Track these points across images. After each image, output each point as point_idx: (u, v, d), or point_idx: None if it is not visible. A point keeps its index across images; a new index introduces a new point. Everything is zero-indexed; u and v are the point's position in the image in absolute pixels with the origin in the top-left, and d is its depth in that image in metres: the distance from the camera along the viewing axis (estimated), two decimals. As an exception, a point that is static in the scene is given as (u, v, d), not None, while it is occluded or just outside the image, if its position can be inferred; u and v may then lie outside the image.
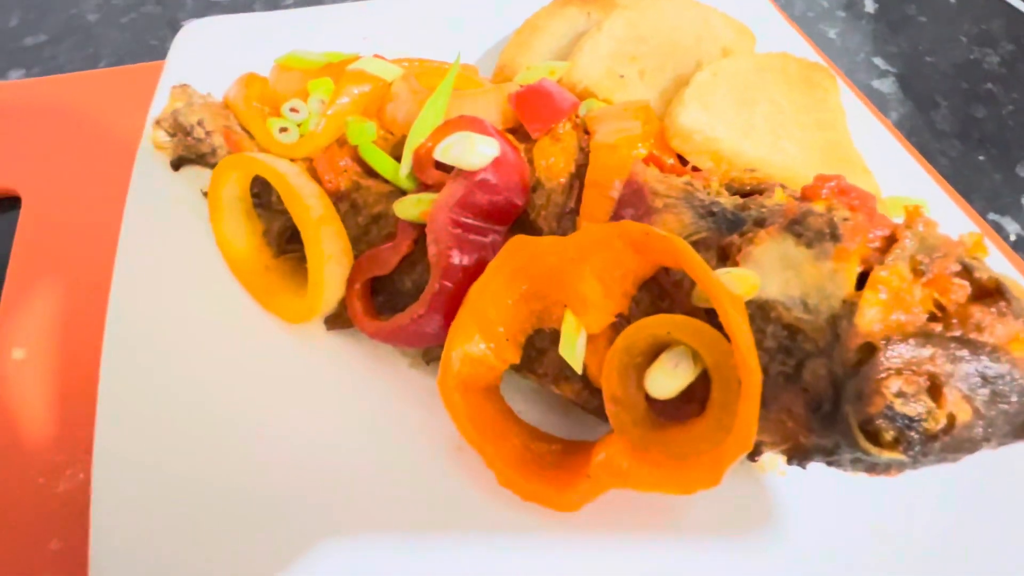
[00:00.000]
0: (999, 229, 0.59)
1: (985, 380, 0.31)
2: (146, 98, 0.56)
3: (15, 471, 0.39)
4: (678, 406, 0.33)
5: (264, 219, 0.45)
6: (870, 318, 0.32)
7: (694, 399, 0.33)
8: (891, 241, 0.34)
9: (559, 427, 0.39)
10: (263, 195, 0.45)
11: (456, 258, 0.35)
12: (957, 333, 0.32)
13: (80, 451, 0.40)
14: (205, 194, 0.48)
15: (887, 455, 0.31)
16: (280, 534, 0.34)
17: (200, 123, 0.48)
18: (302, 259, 0.43)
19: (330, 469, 0.37)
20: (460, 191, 0.35)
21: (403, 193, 0.41)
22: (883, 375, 0.31)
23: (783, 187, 0.38)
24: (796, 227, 0.34)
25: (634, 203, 0.36)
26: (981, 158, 0.66)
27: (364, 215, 0.41)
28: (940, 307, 0.33)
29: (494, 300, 0.33)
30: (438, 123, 0.40)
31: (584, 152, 0.39)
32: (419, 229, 0.38)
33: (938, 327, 0.32)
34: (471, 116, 0.39)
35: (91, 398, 0.39)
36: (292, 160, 0.44)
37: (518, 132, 0.41)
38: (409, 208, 0.38)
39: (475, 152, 0.35)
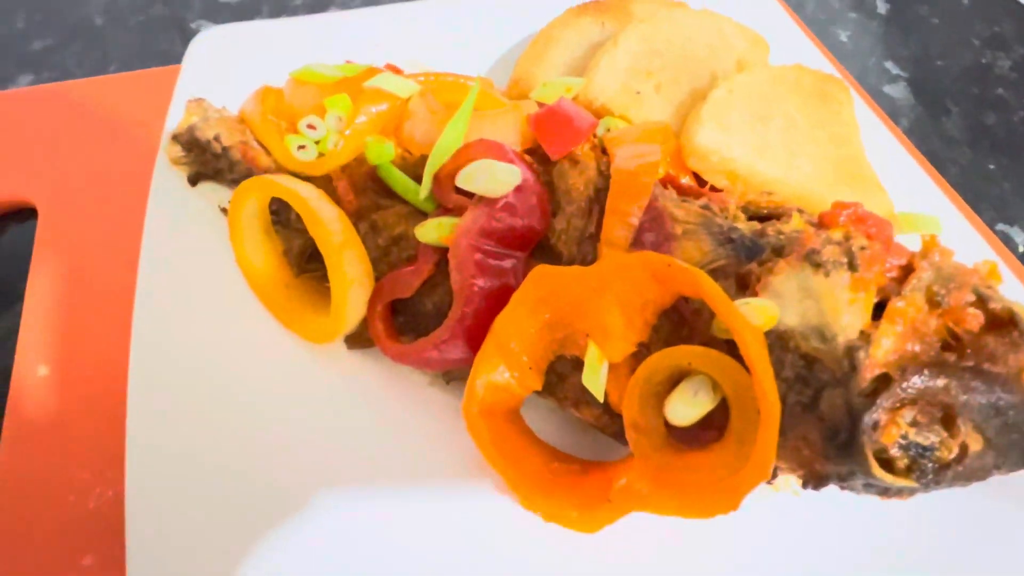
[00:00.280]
0: (1007, 240, 0.60)
1: (997, 410, 0.32)
2: (158, 104, 0.56)
3: (45, 489, 0.40)
4: (697, 432, 0.34)
5: (283, 237, 0.45)
6: (886, 349, 0.32)
7: (713, 426, 0.34)
8: (908, 271, 0.35)
9: (579, 445, 0.40)
10: (281, 212, 0.45)
11: (479, 286, 0.35)
12: (971, 363, 0.32)
13: (108, 468, 0.41)
14: (223, 210, 0.48)
15: (900, 482, 0.32)
16: (306, 548, 0.35)
17: (217, 138, 0.48)
18: (322, 278, 0.43)
19: (353, 486, 0.38)
20: (482, 219, 0.36)
21: (422, 214, 0.42)
22: (898, 405, 0.32)
23: (800, 211, 0.39)
24: (814, 256, 0.34)
25: (654, 228, 0.37)
26: (991, 166, 0.66)
27: (384, 236, 0.42)
28: (954, 336, 0.33)
29: (518, 330, 0.34)
30: (458, 145, 0.40)
31: (603, 175, 0.39)
32: (440, 252, 0.39)
33: (952, 356, 0.33)
34: (491, 140, 0.39)
35: (116, 413, 0.40)
36: (310, 177, 0.45)
37: (537, 152, 0.42)
38: (430, 232, 0.38)
39: (497, 180, 0.36)
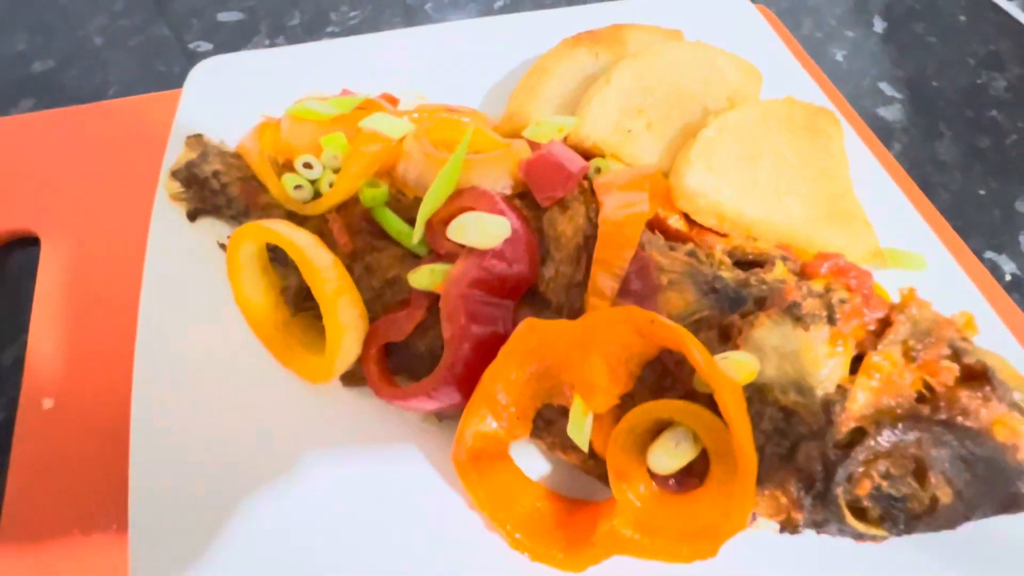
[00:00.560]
0: (995, 269, 0.61)
1: (968, 463, 0.33)
2: (158, 130, 0.57)
3: (51, 523, 0.41)
4: (679, 478, 0.35)
5: (281, 275, 0.46)
6: (862, 403, 0.34)
7: (694, 473, 0.35)
8: (886, 324, 0.36)
9: (568, 480, 0.41)
10: (279, 249, 0.46)
11: (469, 336, 0.36)
12: (943, 416, 0.34)
13: (113, 502, 0.42)
14: (222, 246, 0.49)
15: (873, 531, 0.34)
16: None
17: (215, 175, 0.49)
18: (319, 316, 0.44)
19: (346, 521, 0.39)
20: (472, 270, 0.37)
21: (416, 257, 0.43)
22: (872, 457, 0.33)
23: (784, 259, 0.40)
24: (795, 309, 0.35)
25: (641, 278, 0.38)
26: (982, 192, 0.67)
27: (378, 279, 0.43)
28: (929, 388, 0.35)
29: (506, 383, 0.35)
30: (450, 192, 0.41)
31: (592, 223, 0.40)
32: (432, 297, 0.40)
33: (926, 409, 0.34)
34: (482, 190, 0.40)
35: (121, 446, 0.42)
36: (306, 217, 0.46)
37: (528, 196, 0.43)
38: (423, 279, 0.39)
39: (487, 233, 0.37)
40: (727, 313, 0.37)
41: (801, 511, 0.34)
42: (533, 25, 0.65)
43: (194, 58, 0.73)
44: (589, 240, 0.39)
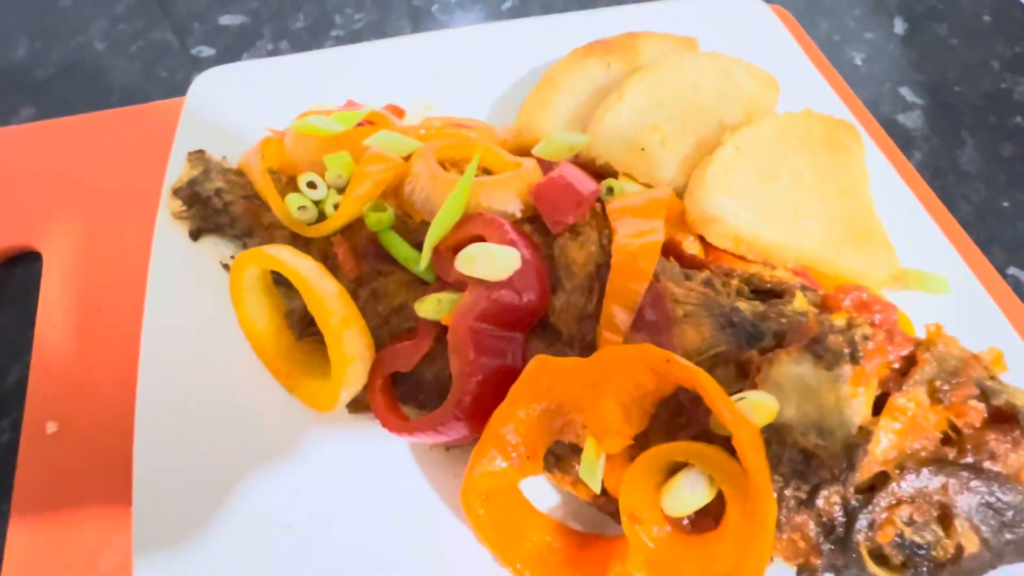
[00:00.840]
0: (1017, 286, 0.59)
1: (995, 511, 0.32)
2: (161, 140, 0.56)
3: (55, 553, 0.41)
4: (694, 519, 0.34)
5: (286, 297, 0.45)
6: (885, 447, 0.32)
7: (709, 513, 0.34)
8: (910, 362, 0.34)
9: (581, 512, 0.40)
10: (283, 271, 0.45)
11: (478, 369, 0.35)
12: (970, 460, 0.32)
13: (116, 532, 0.42)
14: (225, 267, 0.48)
15: (894, 577, 0.33)
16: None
17: (218, 193, 0.48)
18: (324, 340, 0.43)
19: (349, 555, 0.39)
20: (481, 302, 0.36)
21: (424, 283, 0.42)
22: (894, 503, 0.32)
23: (804, 289, 0.38)
24: (816, 347, 0.34)
25: (655, 309, 0.36)
26: (1005, 204, 0.65)
27: (385, 305, 0.42)
28: (955, 429, 0.33)
29: (516, 423, 0.34)
30: (457, 218, 0.40)
31: (605, 251, 0.39)
32: (440, 327, 0.39)
33: (952, 452, 0.33)
34: (491, 217, 0.39)
35: (124, 473, 0.41)
36: (311, 239, 0.45)
37: (538, 220, 0.41)
38: (430, 309, 0.38)
39: (495, 265, 0.35)
40: (745, 348, 0.35)
41: (820, 556, 0.33)
42: (542, 31, 0.63)
43: (196, 63, 0.72)
44: (601, 269, 0.38)
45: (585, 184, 0.41)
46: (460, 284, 0.39)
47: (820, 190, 0.48)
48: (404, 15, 0.78)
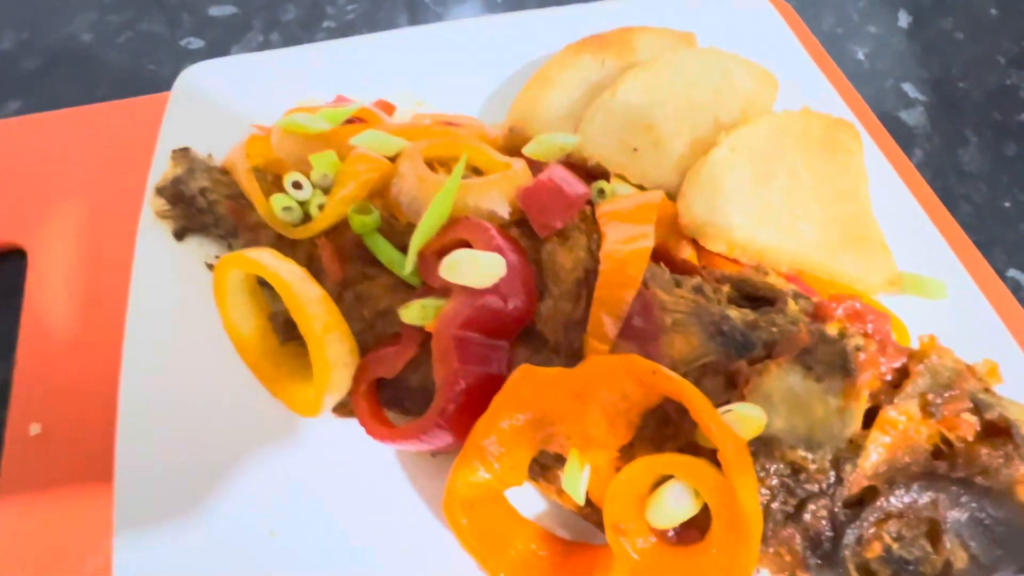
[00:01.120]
0: (1017, 290, 0.58)
1: (985, 527, 0.31)
2: (148, 135, 0.55)
3: (38, 555, 0.41)
4: (680, 531, 0.34)
5: (270, 299, 0.45)
6: (875, 461, 0.32)
7: (696, 525, 0.34)
8: (903, 374, 0.34)
9: (566, 520, 0.39)
10: (268, 272, 0.45)
11: (462, 377, 0.35)
12: (961, 474, 0.32)
13: (101, 536, 0.41)
14: (210, 267, 0.47)
15: (881, 593, 0.32)
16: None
17: (202, 192, 0.47)
18: (308, 344, 0.43)
19: (337, 552, 0.38)
20: (465, 309, 0.35)
21: (409, 286, 0.41)
22: (883, 517, 0.32)
23: (796, 297, 0.38)
24: (806, 358, 0.33)
25: (643, 317, 0.36)
26: (1007, 204, 0.64)
27: (370, 309, 0.41)
28: (947, 442, 0.33)
29: (499, 433, 0.33)
30: (443, 221, 0.39)
31: (593, 256, 0.38)
32: (425, 334, 0.38)
33: (943, 466, 0.32)
34: (476, 221, 0.38)
35: (110, 475, 0.41)
36: (296, 241, 0.44)
37: (526, 224, 0.40)
38: (414, 314, 0.38)
39: (480, 273, 0.35)
40: (734, 358, 0.35)
41: (807, 571, 0.32)
42: (537, 25, 0.62)
43: (185, 56, 0.70)
44: (590, 275, 0.37)
45: (574, 187, 0.40)
46: (445, 290, 0.38)
47: (817, 192, 0.47)
48: (397, 6, 0.77)
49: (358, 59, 0.59)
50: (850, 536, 0.31)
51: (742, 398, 0.33)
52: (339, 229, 0.43)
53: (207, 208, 0.47)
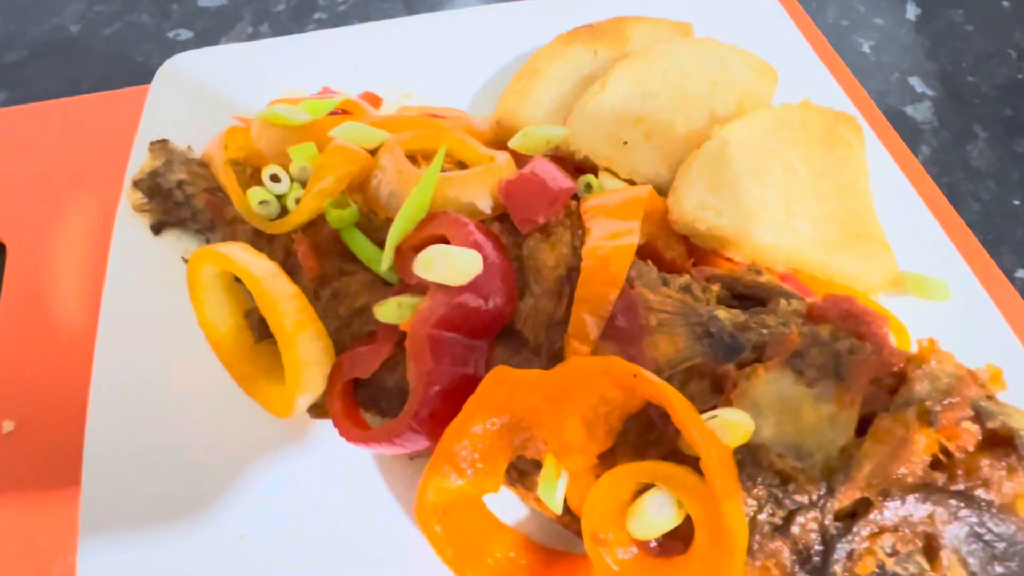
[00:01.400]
0: (1026, 291, 0.56)
1: (985, 542, 0.29)
2: (131, 128, 0.53)
3: (7, 554, 0.40)
4: (662, 541, 0.32)
5: (248, 296, 0.43)
6: (868, 472, 0.30)
7: (679, 536, 0.32)
8: (900, 379, 0.32)
9: (548, 526, 0.38)
10: (245, 268, 0.43)
11: (436, 380, 0.33)
12: (960, 487, 0.30)
13: (71, 536, 0.40)
14: (186, 261, 0.46)
15: (874, 611, 0.30)
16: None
17: (180, 186, 0.46)
18: (285, 342, 0.41)
19: (310, 557, 0.37)
20: (440, 309, 0.34)
21: (387, 283, 0.39)
22: (876, 531, 0.30)
23: (788, 298, 0.36)
24: (797, 362, 0.32)
25: (627, 316, 0.34)
26: (1016, 202, 0.61)
27: (346, 307, 0.40)
28: (946, 452, 0.31)
29: (472, 438, 0.32)
30: (422, 215, 0.38)
31: (577, 253, 0.36)
32: (401, 332, 0.37)
33: (941, 478, 0.30)
34: (455, 216, 0.36)
35: (79, 475, 0.40)
36: (273, 236, 0.43)
37: (508, 219, 0.39)
38: (390, 312, 0.36)
39: (456, 269, 0.33)
40: (722, 361, 0.33)
41: (795, 586, 0.31)
42: (529, 15, 0.60)
43: (174, 47, 0.69)
44: (573, 272, 0.36)
45: (559, 181, 0.38)
46: (422, 287, 0.36)
47: (815, 187, 0.45)
48: (390, -3, 0.75)
49: (345, 50, 0.58)
50: (841, 551, 0.29)
51: (729, 403, 0.32)
52: (317, 224, 0.42)
53: (184, 202, 0.46)
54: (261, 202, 0.42)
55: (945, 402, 0.30)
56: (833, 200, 0.46)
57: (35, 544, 0.40)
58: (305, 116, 0.45)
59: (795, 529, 0.30)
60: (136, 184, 0.46)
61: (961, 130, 0.66)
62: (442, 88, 0.56)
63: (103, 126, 0.60)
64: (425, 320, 0.34)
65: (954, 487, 0.30)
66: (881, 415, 0.30)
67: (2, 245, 0.54)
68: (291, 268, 0.41)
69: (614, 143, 0.44)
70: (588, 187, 0.42)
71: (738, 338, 0.33)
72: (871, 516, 0.30)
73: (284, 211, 0.43)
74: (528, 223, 0.37)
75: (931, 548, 0.30)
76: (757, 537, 0.31)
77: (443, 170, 0.40)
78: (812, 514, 0.30)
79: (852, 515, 0.30)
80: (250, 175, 0.46)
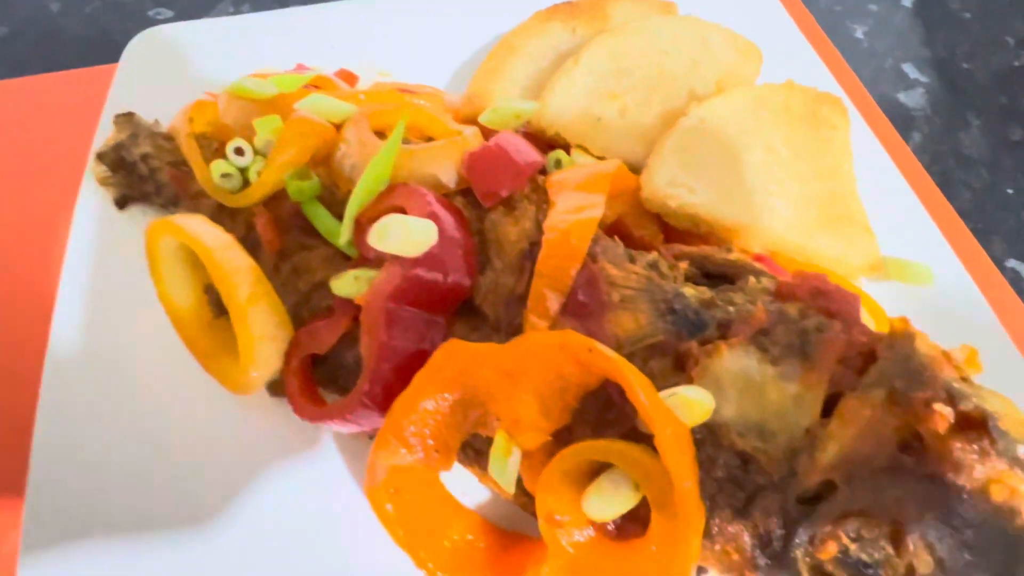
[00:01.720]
0: (1017, 281, 0.54)
1: (954, 528, 0.28)
2: (99, 106, 0.52)
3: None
4: (620, 524, 0.31)
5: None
6: (833, 454, 0.29)
7: (637, 518, 0.31)
8: (869, 359, 0.30)
9: (509, 508, 0.37)
10: (208, 243, 0.42)
11: (390, 355, 0.32)
12: (930, 471, 0.29)
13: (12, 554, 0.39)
14: (150, 237, 0.45)
15: (837, 599, 0.29)
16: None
17: (144, 159, 0.45)
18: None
19: (265, 541, 0.36)
20: (395, 281, 0.32)
21: (347, 258, 0.38)
22: (841, 515, 0.29)
23: (757, 276, 0.35)
24: (762, 339, 0.30)
25: (588, 292, 0.33)
26: (1009, 191, 0.60)
27: (306, 281, 0.38)
28: (915, 435, 0.29)
29: (421, 414, 0.31)
30: (382, 187, 0.36)
31: (540, 228, 0.35)
32: (357, 307, 0.36)
33: (910, 461, 0.29)
34: (414, 187, 0.35)
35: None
36: (237, 210, 0.42)
37: (472, 193, 0.38)
38: (347, 286, 0.35)
39: (410, 240, 0.32)
40: (685, 339, 0.32)
41: (755, 571, 0.29)
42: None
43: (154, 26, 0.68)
44: (535, 247, 0.35)
45: (525, 154, 0.37)
46: (380, 260, 0.35)
47: (795, 168, 0.44)
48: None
49: (322, 27, 0.57)
50: (803, 535, 0.28)
51: (690, 381, 0.30)
52: (279, 198, 0.41)
53: (149, 175, 0.45)
54: (224, 175, 0.41)
55: (916, 382, 0.29)
56: (814, 181, 0.44)
57: (-13, 521, 0.39)
58: (272, 89, 0.44)
59: (756, 512, 0.29)
60: (100, 157, 0.45)
61: (954, 118, 0.64)
62: (421, 67, 0.54)
63: (78, 104, 0.59)
64: (380, 293, 0.33)
65: (923, 471, 0.29)
66: (848, 395, 0.29)
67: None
68: (252, 243, 0.40)
69: (587, 120, 0.43)
70: (558, 163, 0.41)
71: (702, 315, 0.32)
72: (836, 499, 0.28)
73: (247, 185, 0.42)
74: (491, 196, 0.36)
75: (897, 534, 0.28)
76: (716, 520, 0.29)
77: (410, 143, 0.39)
78: (774, 496, 0.29)
79: (816, 498, 0.29)
80: (215, 149, 0.45)
